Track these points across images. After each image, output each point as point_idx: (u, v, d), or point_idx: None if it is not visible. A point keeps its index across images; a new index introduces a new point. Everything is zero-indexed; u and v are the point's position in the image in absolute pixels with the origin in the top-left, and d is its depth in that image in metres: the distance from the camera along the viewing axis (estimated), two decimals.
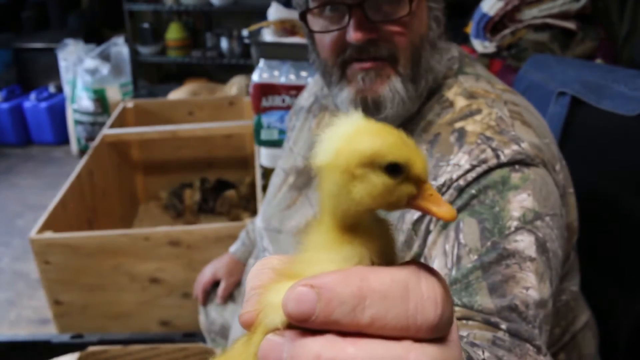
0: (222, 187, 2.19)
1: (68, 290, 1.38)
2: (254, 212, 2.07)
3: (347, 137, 0.21)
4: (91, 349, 1.08)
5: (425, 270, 0.21)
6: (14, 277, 1.96)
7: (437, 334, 0.20)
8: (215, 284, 1.07)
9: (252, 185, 2.15)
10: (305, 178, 0.80)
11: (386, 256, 0.22)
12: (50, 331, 1.63)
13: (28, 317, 1.76)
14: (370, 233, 0.22)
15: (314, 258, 0.22)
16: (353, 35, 0.60)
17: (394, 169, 0.21)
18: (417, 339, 0.19)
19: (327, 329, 0.19)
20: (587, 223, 0.74)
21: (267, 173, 1.59)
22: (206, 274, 1.07)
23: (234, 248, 1.08)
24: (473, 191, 0.56)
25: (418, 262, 0.21)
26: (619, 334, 0.85)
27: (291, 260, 0.23)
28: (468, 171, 0.57)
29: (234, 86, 2.83)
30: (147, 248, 1.35)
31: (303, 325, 0.19)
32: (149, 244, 1.35)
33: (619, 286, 0.87)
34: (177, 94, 2.77)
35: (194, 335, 1.16)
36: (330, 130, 0.22)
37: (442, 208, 0.22)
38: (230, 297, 1.05)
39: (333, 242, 0.22)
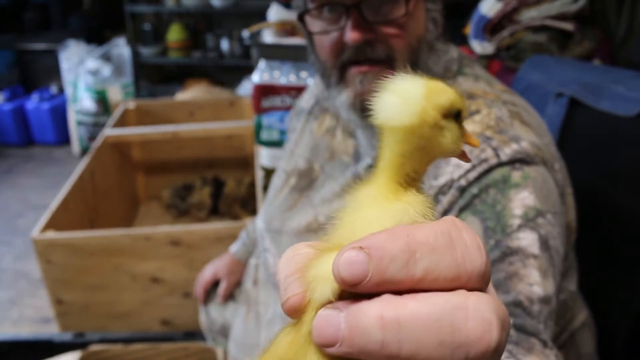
0: (220, 185, 2.20)
1: (70, 290, 1.38)
2: (253, 212, 2.07)
3: (425, 96, 0.22)
4: (93, 348, 1.08)
5: (460, 222, 0.21)
6: (16, 276, 1.97)
7: (485, 282, 0.20)
8: (216, 283, 1.07)
9: (251, 185, 2.16)
10: (306, 180, 0.81)
11: (426, 218, 0.23)
12: (52, 330, 1.64)
13: (30, 316, 1.76)
14: (417, 195, 0.23)
15: (353, 221, 0.23)
16: (350, 36, 0.60)
17: (458, 115, 0.24)
18: (469, 289, 0.19)
19: (381, 291, 0.19)
20: (585, 223, 0.75)
21: (268, 173, 1.59)
22: (207, 274, 1.08)
23: (234, 248, 1.09)
24: (475, 190, 0.57)
25: (452, 217, 0.21)
26: (617, 334, 0.85)
27: (328, 235, 0.23)
28: (469, 171, 0.58)
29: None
30: (148, 248, 1.35)
31: (357, 290, 0.19)
32: (150, 244, 1.35)
33: (617, 286, 0.87)
34: (183, 97, 2.77)
35: (194, 334, 1.16)
36: (393, 93, 0.23)
37: (475, 139, 0.25)
38: (230, 296, 1.05)
39: (383, 197, 0.23)
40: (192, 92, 2.81)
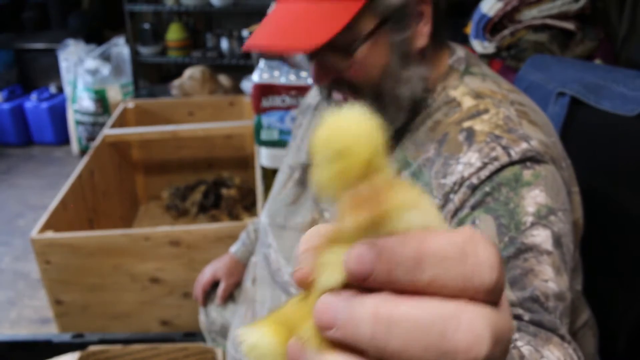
0: (219, 186, 2.20)
1: (69, 290, 1.38)
2: (250, 212, 2.07)
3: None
4: (92, 348, 1.08)
5: (479, 236, 0.21)
6: (15, 276, 1.96)
7: (491, 298, 0.20)
8: (216, 284, 1.07)
9: (240, 188, 2.16)
10: (310, 173, 0.81)
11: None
12: (51, 331, 1.63)
13: (29, 316, 1.76)
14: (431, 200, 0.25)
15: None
16: (314, 81, 0.67)
17: None
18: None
19: (385, 289, 0.20)
20: (586, 223, 0.75)
21: (267, 173, 1.59)
22: (206, 275, 1.08)
23: (234, 248, 1.09)
24: (487, 189, 0.58)
25: (472, 229, 0.21)
26: (618, 334, 0.85)
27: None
28: (480, 169, 0.58)
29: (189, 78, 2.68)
30: (148, 248, 1.35)
31: (363, 284, 0.20)
32: (149, 244, 1.35)
33: (618, 286, 0.87)
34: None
35: (194, 335, 1.16)
36: None
37: None
38: (230, 297, 1.05)
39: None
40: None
